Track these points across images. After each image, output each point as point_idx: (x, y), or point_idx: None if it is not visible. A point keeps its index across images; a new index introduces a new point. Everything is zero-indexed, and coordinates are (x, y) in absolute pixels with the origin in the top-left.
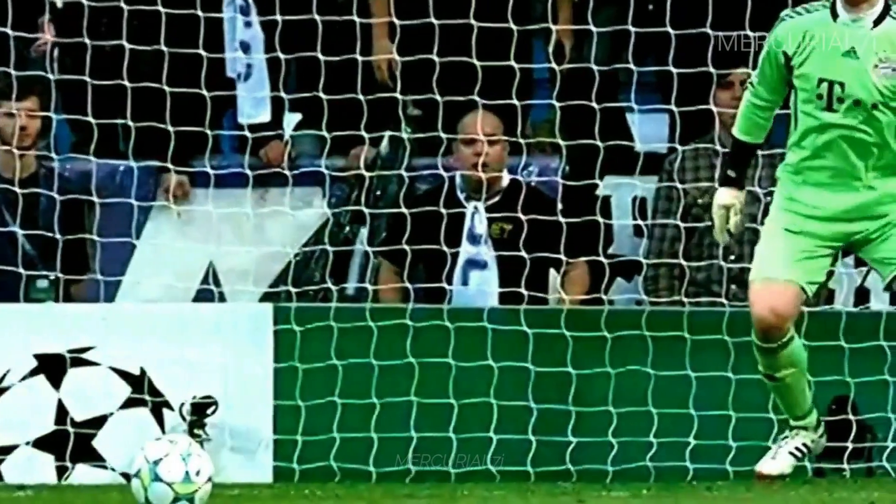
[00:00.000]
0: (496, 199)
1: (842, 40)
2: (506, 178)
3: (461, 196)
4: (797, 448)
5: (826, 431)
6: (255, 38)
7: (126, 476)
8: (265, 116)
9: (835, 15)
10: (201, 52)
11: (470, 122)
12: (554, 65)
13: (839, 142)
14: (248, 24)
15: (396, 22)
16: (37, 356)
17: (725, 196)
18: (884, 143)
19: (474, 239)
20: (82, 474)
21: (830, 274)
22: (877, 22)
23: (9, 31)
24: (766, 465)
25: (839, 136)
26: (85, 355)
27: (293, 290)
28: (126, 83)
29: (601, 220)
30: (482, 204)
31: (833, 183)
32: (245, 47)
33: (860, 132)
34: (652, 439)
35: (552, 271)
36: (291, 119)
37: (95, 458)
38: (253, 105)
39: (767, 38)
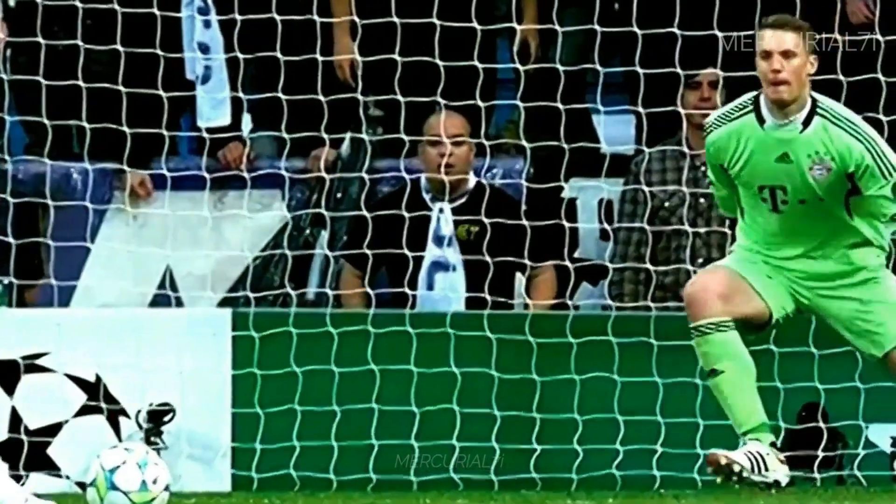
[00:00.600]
0: (462, 200)
1: (773, 148)
2: (472, 180)
3: (426, 197)
4: (752, 451)
5: (781, 463)
6: (215, 39)
7: (81, 485)
8: (225, 119)
9: (761, 119)
10: (158, 52)
11: (436, 123)
12: (518, 65)
13: (791, 233)
14: (207, 25)
15: (358, 21)
16: None
17: None
18: (841, 226)
19: (440, 240)
20: (37, 483)
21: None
22: (806, 122)
23: None
24: (719, 451)
25: (790, 227)
26: (39, 361)
27: (252, 295)
28: (81, 83)
29: (566, 223)
30: (448, 205)
31: (794, 256)
32: (204, 49)
33: (812, 223)
34: (618, 447)
35: (518, 275)
36: (245, 120)
37: (50, 467)
38: (212, 108)
39: (707, 149)
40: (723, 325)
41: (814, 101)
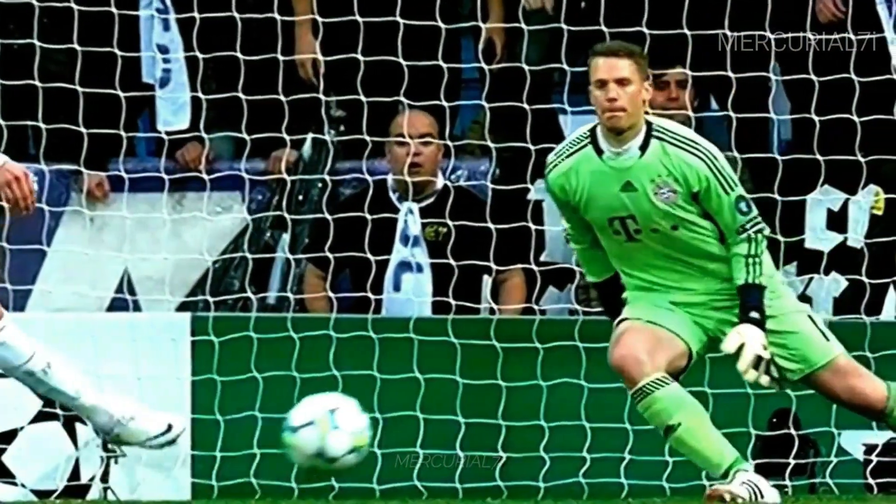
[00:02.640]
0: (431, 200)
1: (614, 177)
2: (440, 181)
3: (393, 197)
4: (747, 482)
5: (772, 488)
6: (174, 41)
7: (38, 493)
8: (184, 123)
9: (599, 150)
10: (116, 51)
11: (403, 122)
12: (484, 64)
13: (654, 261)
14: (166, 28)
15: (319, 20)
16: None
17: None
18: (709, 252)
19: (408, 241)
20: None
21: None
22: (643, 147)
23: None
24: (720, 486)
25: (652, 256)
26: None
27: (211, 299)
28: (37, 83)
29: (532, 225)
30: (416, 205)
31: (672, 288)
32: (163, 51)
33: (676, 251)
34: (585, 454)
35: (486, 278)
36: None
37: (5, 475)
38: (172, 112)
39: (548, 189)
40: (660, 380)
41: (649, 124)
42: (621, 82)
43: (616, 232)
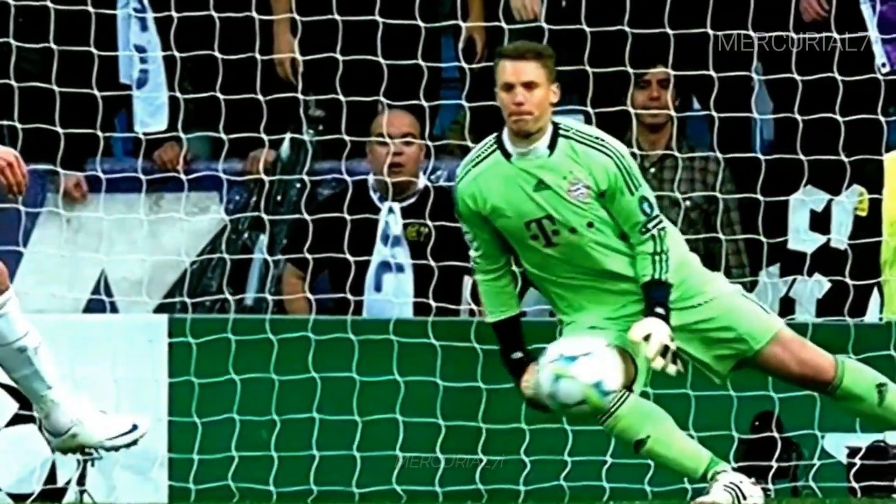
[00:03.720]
0: (412, 200)
1: (526, 179)
2: (422, 181)
3: (374, 197)
4: (728, 484)
5: (754, 485)
6: (152, 42)
7: (14, 497)
8: (162, 124)
9: (506, 154)
10: (93, 50)
11: (385, 122)
12: (464, 63)
13: (574, 275)
14: (143, 28)
15: (298, 19)
16: None
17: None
18: (617, 251)
19: (388, 240)
20: None
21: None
22: (551, 146)
23: None
24: (703, 498)
25: (571, 269)
26: None
27: (189, 300)
28: (13, 83)
29: None
30: (398, 205)
31: (599, 298)
32: (141, 51)
33: (591, 252)
34: (566, 458)
35: (466, 278)
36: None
37: None
38: (149, 113)
39: (458, 205)
40: (619, 396)
41: (555, 124)
42: (529, 86)
43: (534, 236)
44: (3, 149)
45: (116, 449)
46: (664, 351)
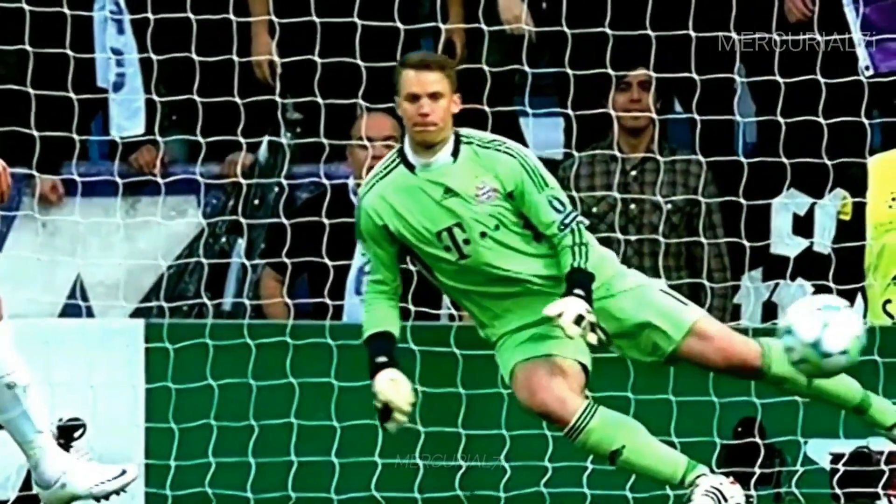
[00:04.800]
0: None
1: (432, 188)
2: None
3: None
4: (708, 489)
5: (732, 484)
6: (128, 45)
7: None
8: (139, 128)
9: (410, 166)
10: (69, 52)
11: (366, 125)
12: None
13: (492, 288)
14: (120, 30)
15: (276, 20)
16: None
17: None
18: (530, 254)
19: None
20: None
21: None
22: (454, 154)
23: None
24: None
25: (488, 270)
26: None
27: (166, 305)
28: None
29: None
30: None
31: (519, 306)
32: (117, 54)
33: (505, 256)
34: (547, 464)
35: None
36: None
37: None
38: (126, 117)
39: (359, 223)
40: (587, 410)
41: (456, 132)
42: (434, 96)
43: (446, 248)
44: None
45: (107, 497)
46: (579, 320)
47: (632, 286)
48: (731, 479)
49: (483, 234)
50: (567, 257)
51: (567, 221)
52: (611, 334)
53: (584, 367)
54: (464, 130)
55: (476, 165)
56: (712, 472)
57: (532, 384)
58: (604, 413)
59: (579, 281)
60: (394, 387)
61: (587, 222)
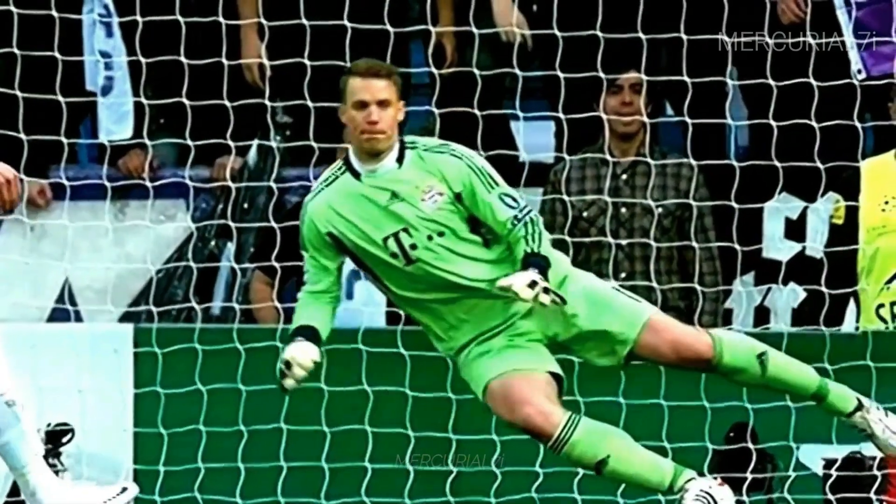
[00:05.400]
0: None
1: (378, 194)
2: None
3: None
4: (698, 493)
5: (721, 486)
6: (117, 48)
7: None
8: (127, 132)
9: (356, 173)
10: (57, 55)
11: None
12: (433, 69)
13: (442, 281)
14: (109, 34)
15: (265, 23)
16: None
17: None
18: (480, 259)
19: None
20: None
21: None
22: (400, 160)
23: None
24: None
25: (435, 277)
26: None
27: (155, 309)
28: None
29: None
30: None
31: (473, 315)
32: (106, 57)
33: (454, 262)
34: (538, 469)
35: None
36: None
37: None
38: (115, 121)
39: (303, 231)
40: (570, 421)
41: (401, 140)
42: (382, 104)
43: (393, 254)
44: (3, 166)
45: None
46: (533, 285)
47: (584, 288)
48: (720, 480)
49: (430, 238)
50: (521, 246)
51: (520, 216)
52: (568, 339)
53: (555, 375)
54: (408, 137)
55: (421, 170)
56: (700, 475)
57: (511, 399)
58: (587, 423)
59: (534, 261)
60: (300, 347)
61: (541, 218)
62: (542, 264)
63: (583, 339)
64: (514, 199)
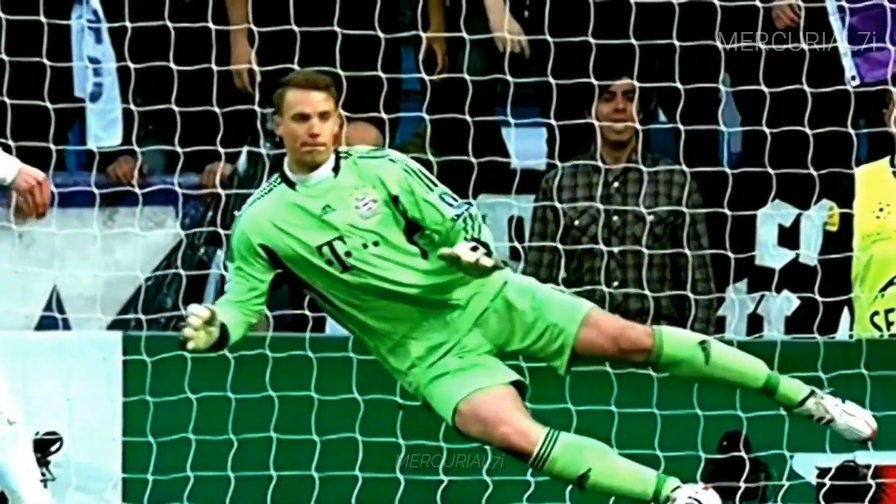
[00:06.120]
0: None
1: (313, 203)
2: None
3: None
4: (686, 500)
5: (706, 490)
6: (106, 54)
7: None
8: (116, 139)
9: (291, 184)
10: (45, 61)
11: (351, 135)
12: (424, 75)
13: (377, 290)
14: (98, 39)
15: (255, 28)
16: None
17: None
18: (418, 268)
19: None
20: None
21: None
22: (336, 170)
23: None
24: None
25: (372, 286)
26: None
27: (144, 317)
28: None
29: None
30: None
31: (418, 330)
32: (95, 63)
33: (390, 269)
34: (529, 478)
35: None
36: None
37: None
38: (104, 127)
39: (234, 241)
40: (548, 438)
41: (336, 152)
42: (323, 116)
43: (329, 262)
44: (32, 170)
45: None
46: (474, 249)
47: (524, 285)
48: (703, 485)
49: (364, 246)
50: (461, 237)
51: (460, 213)
52: (515, 343)
53: (516, 383)
54: (342, 147)
55: (357, 178)
56: (684, 482)
57: (485, 420)
58: (566, 438)
59: (474, 240)
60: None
61: (481, 215)
62: (483, 245)
63: (530, 338)
64: (455, 198)
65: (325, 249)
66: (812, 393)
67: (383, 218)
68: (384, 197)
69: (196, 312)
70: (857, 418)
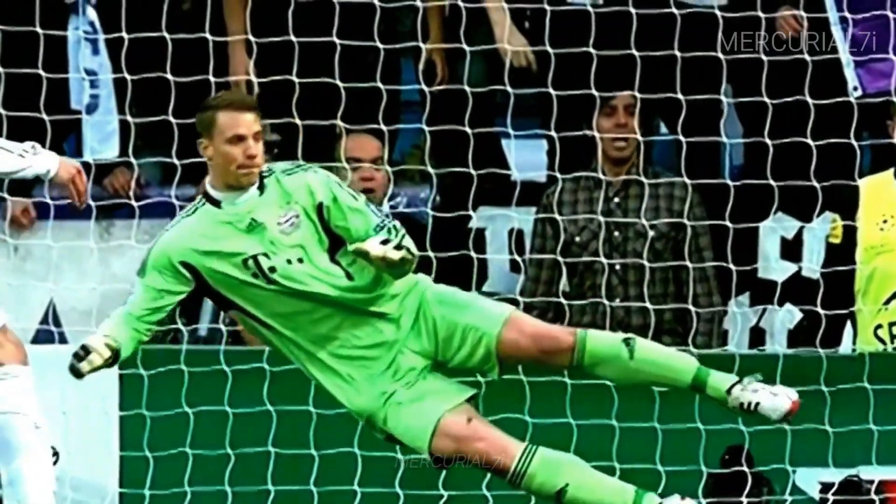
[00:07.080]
0: None
1: (238, 221)
2: (386, 206)
3: None
4: None
5: None
6: (103, 66)
7: None
8: (113, 151)
9: (216, 203)
10: (41, 72)
11: (353, 146)
12: (424, 86)
13: (307, 302)
14: (95, 51)
15: (253, 40)
16: None
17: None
18: (343, 286)
19: None
20: None
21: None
22: (261, 188)
23: None
24: None
25: (296, 300)
26: None
27: None
28: None
29: (474, 254)
30: None
31: (361, 344)
32: (91, 75)
33: (314, 281)
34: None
35: None
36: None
37: None
38: (100, 139)
39: (150, 259)
40: (525, 453)
41: (260, 171)
42: (256, 136)
43: (254, 275)
44: (70, 160)
45: None
46: (384, 243)
47: (444, 291)
48: (680, 497)
49: (289, 262)
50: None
51: (384, 223)
52: (447, 353)
53: (469, 398)
54: (269, 164)
55: (282, 193)
56: (661, 496)
57: (459, 434)
58: (543, 453)
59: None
60: (99, 338)
61: (403, 229)
62: (397, 245)
63: (454, 344)
64: (379, 209)
65: (250, 262)
66: (738, 381)
67: (306, 233)
68: (309, 207)
69: (100, 351)
70: (779, 396)
